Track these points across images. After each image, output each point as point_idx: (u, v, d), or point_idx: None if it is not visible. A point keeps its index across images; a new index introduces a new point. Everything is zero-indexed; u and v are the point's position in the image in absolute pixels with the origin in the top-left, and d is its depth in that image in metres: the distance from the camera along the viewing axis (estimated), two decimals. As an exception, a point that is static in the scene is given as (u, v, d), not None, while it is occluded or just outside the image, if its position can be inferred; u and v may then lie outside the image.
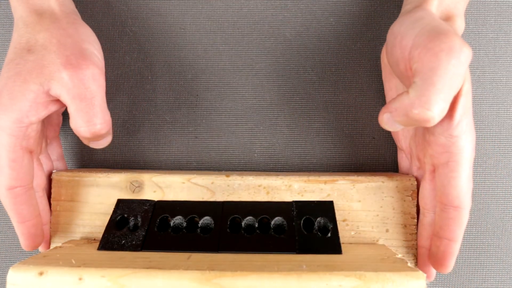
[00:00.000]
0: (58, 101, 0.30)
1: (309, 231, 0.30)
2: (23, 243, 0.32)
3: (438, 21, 0.28)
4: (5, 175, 0.29)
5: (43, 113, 0.30)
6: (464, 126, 0.28)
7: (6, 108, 0.29)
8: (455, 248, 0.30)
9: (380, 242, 0.33)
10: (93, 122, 0.30)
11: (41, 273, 0.25)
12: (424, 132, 0.31)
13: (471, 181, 0.29)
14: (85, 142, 0.32)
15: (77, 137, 0.38)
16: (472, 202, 0.37)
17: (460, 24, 0.30)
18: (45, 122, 0.34)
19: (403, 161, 0.36)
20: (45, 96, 0.29)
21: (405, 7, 0.32)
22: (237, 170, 0.37)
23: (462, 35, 0.37)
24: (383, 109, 0.29)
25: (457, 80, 0.26)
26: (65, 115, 0.37)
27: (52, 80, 0.29)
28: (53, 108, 0.30)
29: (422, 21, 0.28)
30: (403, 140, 0.34)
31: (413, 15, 0.29)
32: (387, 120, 0.29)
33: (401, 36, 0.29)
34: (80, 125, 0.30)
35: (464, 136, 0.28)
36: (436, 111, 0.26)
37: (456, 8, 0.30)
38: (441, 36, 0.26)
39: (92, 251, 0.29)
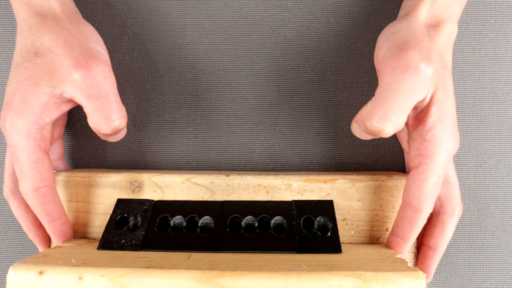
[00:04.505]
0: (70, 101, 0.31)
1: (309, 230, 0.30)
2: (55, 241, 0.32)
3: (412, 34, 0.29)
4: (29, 178, 0.30)
5: (56, 113, 0.30)
6: (438, 132, 0.29)
7: (20, 112, 0.29)
8: (405, 247, 0.30)
9: (380, 241, 0.33)
10: (112, 119, 0.30)
11: (41, 273, 0.25)
12: (408, 136, 0.32)
13: (438, 188, 0.30)
14: (103, 137, 0.32)
15: (77, 137, 0.38)
16: (472, 202, 0.37)
17: (450, 29, 0.31)
18: (53, 123, 0.34)
19: (408, 162, 0.36)
20: (58, 98, 0.30)
21: (400, 13, 0.33)
22: (237, 170, 0.37)
23: (462, 35, 0.37)
24: (353, 119, 0.31)
25: (413, 95, 0.28)
26: (68, 115, 0.37)
27: (65, 83, 0.29)
28: (65, 108, 0.31)
29: (397, 35, 0.30)
30: (404, 142, 0.35)
31: (395, 25, 0.31)
32: (356, 129, 0.31)
33: (379, 47, 0.31)
34: (100, 123, 0.30)
35: (437, 142, 0.29)
36: (386, 125, 0.28)
37: (447, 13, 0.31)
38: (401, 53, 0.28)
39: (92, 250, 0.29)
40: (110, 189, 0.33)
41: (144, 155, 0.38)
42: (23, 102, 0.29)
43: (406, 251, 0.30)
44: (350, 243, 0.32)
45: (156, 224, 0.31)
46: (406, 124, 0.31)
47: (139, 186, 0.33)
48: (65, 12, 0.31)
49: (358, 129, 0.30)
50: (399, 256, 0.28)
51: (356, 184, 0.33)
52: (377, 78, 0.30)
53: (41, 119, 0.30)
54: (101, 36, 0.33)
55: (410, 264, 0.33)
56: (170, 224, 0.31)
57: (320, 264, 0.26)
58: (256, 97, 0.38)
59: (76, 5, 0.34)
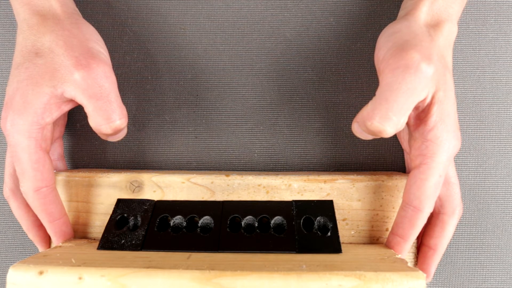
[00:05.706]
0: (70, 101, 0.31)
1: (309, 230, 0.30)
2: (56, 241, 0.32)
3: (412, 34, 0.29)
4: (30, 178, 0.30)
5: (56, 113, 0.30)
6: (439, 132, 0.29)
7: (21, 112, 0.29)
8: (405, 247, 0.30)
9: (380, 241, 0.33)
10: (112, 119, 0.30)
11: (41, 273, 0.25)
12: (409, 136, 0.32)
13: (439, 188, 0.30)
14: (104, 137, 0.33)
15: (77, 137, 0.38)
16: (472, 202, 0.37)
17: (450, 29, 0.31)
18: (53, 123, 0.34)
19: (409, 162, 0.36)
20: (59, 98, 0.30)
21: (400, 13, 0.33)
22: (237, 170, 0.37)
23: (462, 35, 0.37)
24: (354, 119, 0.31)
25: (414, 95, 0.28)
26: (68, 115, 0.37)
27: (66, 83, 0.29)
28: (65, 108, 0.31)
29: (397, 35, 0.30)
30: (404, 142, 0.35)
31: (395, 26, 0.31)
32: (357, 129, 0.31)
33: (379, 47, 0.31)
34: (101, 123, 0.30)
35: (438, 141, 0.29)
36: (387, 125, 0.28)
37: (447, 12, 0.31)
38: (402, 53, 0.28)
39: (92, 250, 0.29)
40: (110, 189, 0.33)
41: (144, 155, 0.38)
42: (24, 102, 0.29)
43: (406, 251, 0.30)
44: (350, 243, 0.32)
45: (156, 224, 0.31)
46: (407, 124, 0.31)
47: (139, 186, 0.33)
48: (65, 12, 0.31)
49: (358, 129, 0.31)
50: (399, 256, 0.28)
51: (356, 184, 0.33)
52: (377, 78, 0.31)
53: (42, 119, 0.30)
54: (101, 36, 0.33)
55: (410, 264, 0.33)
56: (170, 224, 0.31)
57: (320, 264, 0.26)
58: (256, 97, 0.38)
59: (76, 5, 0.34)
